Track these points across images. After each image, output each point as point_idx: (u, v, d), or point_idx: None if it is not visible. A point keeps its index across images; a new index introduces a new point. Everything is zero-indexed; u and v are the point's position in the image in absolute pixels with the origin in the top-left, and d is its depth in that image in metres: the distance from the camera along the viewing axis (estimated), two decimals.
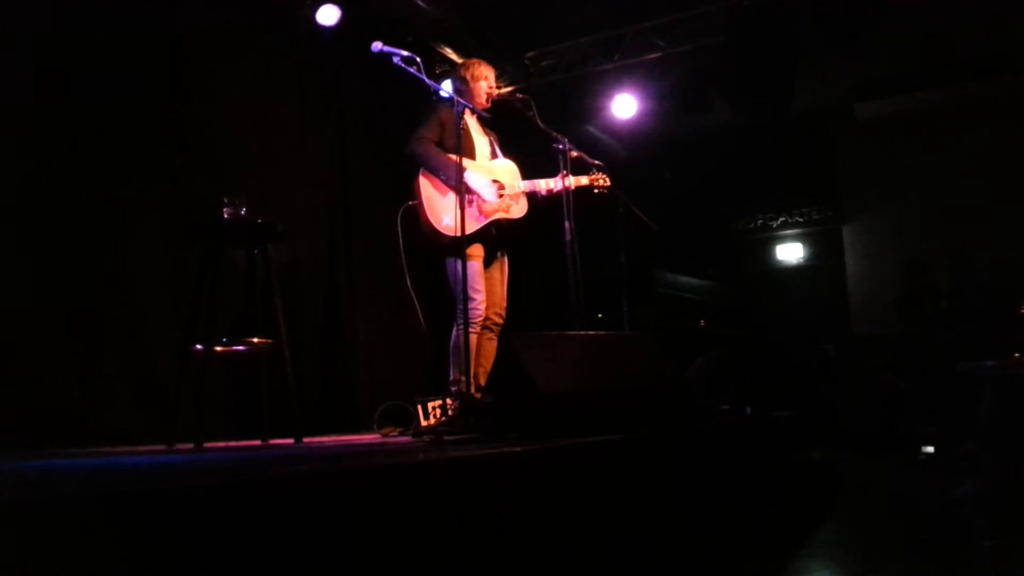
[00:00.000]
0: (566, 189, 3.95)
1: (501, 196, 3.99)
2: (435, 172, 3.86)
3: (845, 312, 8.21)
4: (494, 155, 4.13)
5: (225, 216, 3.40)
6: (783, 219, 8.98)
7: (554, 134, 3.99)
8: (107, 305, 3.82)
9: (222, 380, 4.11)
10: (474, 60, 4.21)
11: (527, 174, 4.16)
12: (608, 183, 4.16)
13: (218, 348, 3.48)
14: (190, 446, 3.19)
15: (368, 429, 4.57)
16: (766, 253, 9.01)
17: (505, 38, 6.21)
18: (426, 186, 3.88)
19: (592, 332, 3.51)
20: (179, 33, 4.39)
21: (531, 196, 4.11)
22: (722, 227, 8.96)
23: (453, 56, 5.85)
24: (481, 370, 3.94)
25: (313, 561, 1.31)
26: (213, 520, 1.21)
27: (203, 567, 1.17)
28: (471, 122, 4.08)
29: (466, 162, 3.65)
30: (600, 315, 5.90)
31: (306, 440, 3.54)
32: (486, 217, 3.94)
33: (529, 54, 6.53)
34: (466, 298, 3.48)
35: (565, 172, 3.98)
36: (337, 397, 5.07)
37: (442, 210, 3.84)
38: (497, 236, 4.04)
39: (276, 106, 5.00)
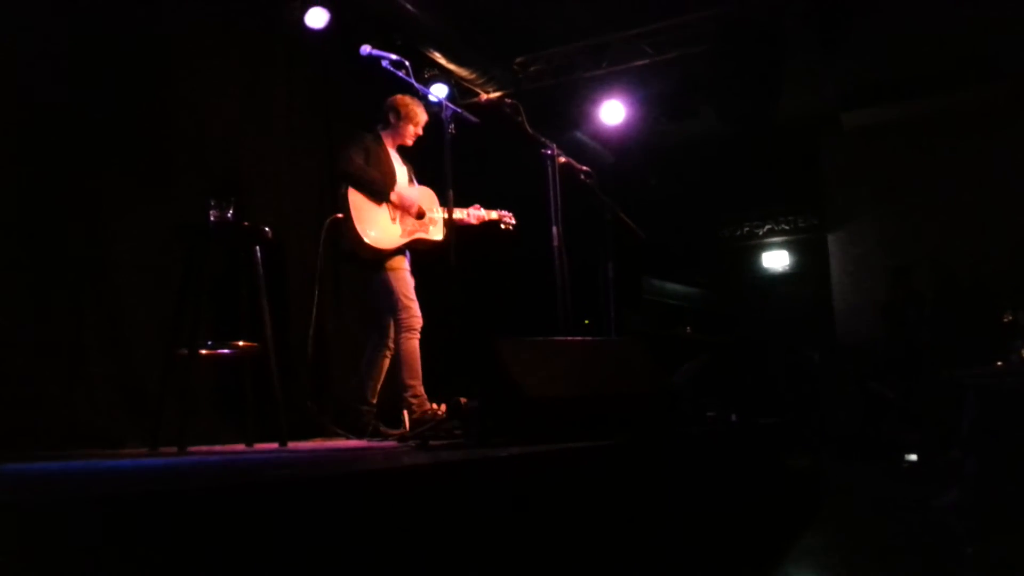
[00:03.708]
0: (479, 220, 4.35)
1: (423, 218, 4.20)
2: (367, 187, 4.02)
3: (830, 319, 8.25)
4: (411, 183, 4.31)
5: (211, 218, 3.38)
6: (769, 227, 9.01)
7: (543, 139, 4.03)
8: (91, 307, 3.78)
9: (207, 383, 4.08)
10: (411, 100, 4.25)
11: (514, 180, 4.21)
12: (514, 222, 4.41)
13: (203, 351, 3.46)
14: (173, 449, 3.16)
15: (354, 434, 4.54)
16: (752, 260, 9.04)
17: (494, 43, 6.21)
18: (355, 199, 4.00)
19: (579, 338, 3.52)
20: (168, 34, 4.35)
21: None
22: (708, 234, 8.99)
23: (442, 60, 5.85)
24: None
25: (297, 566, 1.30)
26: (195, 525, 1.20)
27: (184, 571, 1.16)
28: (391, 152, 4.25)
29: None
30: (587, 321, 5.90)
31: (291, 444, 3.52)
32: (408, 235, 4.14)
33: (518, 59, 6.53)
34: (404, 307, 3.99)
35: (477, 206, 4.38)
36: (323, 401, 5.03)
37: (369, 224, 3.99)
38: (413, 256, 4.24)
39: (265, 108, 4.97)
